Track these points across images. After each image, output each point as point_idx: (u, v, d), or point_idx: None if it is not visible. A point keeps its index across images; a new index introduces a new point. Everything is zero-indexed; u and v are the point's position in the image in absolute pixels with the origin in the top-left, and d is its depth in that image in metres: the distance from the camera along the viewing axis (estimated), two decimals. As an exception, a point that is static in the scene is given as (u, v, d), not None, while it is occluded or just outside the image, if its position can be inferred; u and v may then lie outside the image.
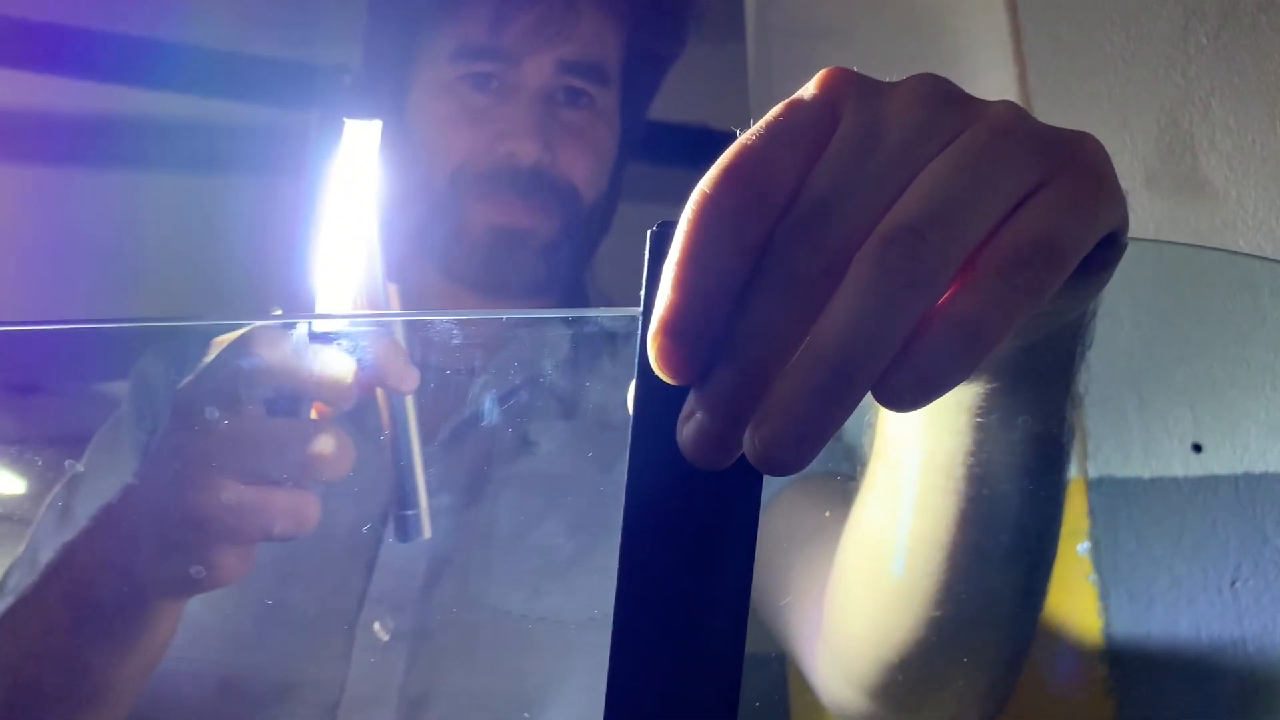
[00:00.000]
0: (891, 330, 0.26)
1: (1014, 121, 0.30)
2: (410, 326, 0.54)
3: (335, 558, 0.69)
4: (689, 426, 0.28)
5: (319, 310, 0.49)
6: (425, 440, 0.75)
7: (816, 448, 0.28)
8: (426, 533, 0.53)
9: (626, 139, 0.88)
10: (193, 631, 0.65)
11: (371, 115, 0.83)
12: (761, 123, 0.29)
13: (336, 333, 0.49)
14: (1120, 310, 0.77)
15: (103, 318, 0.43)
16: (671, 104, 0.98)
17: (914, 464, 0.44)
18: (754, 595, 0.76)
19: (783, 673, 0.93)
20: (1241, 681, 0.70)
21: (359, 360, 0.50)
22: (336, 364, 0.49)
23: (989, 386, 0.39)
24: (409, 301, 0.81)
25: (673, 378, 0.28)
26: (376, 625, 0.67)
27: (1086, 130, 0.32)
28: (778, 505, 0.71)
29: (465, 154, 0.81)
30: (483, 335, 0.81)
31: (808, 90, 0.30)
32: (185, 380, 0.50)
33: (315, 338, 0.49)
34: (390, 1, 0.89)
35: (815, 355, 0.26)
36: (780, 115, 0.29)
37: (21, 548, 0.73)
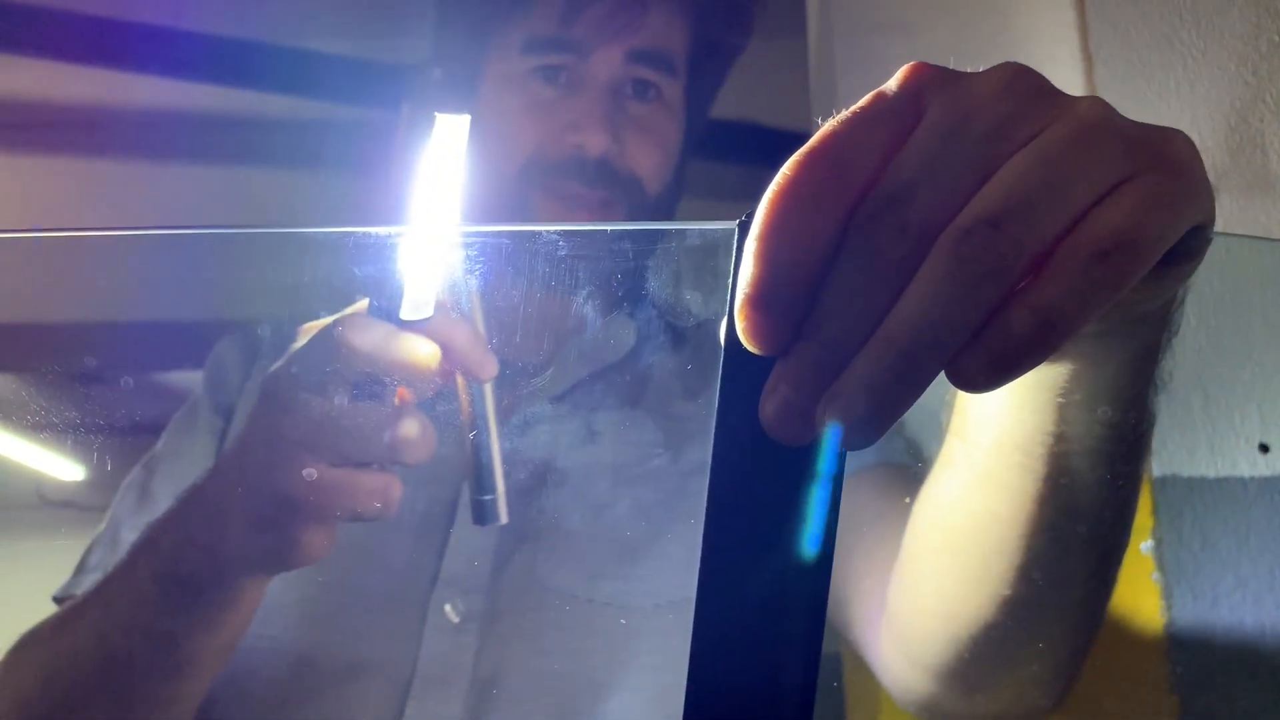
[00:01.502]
0: (962, 318, 0.27)
1: (1101, 117, 0.31)
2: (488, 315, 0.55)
3: (407, 540, 0.71)
4: (771, 400, 0.29)
5: (406, 310, 0.51)
6: (503, 419, 0.77)
7: (884, 426, 0.29)
8: (504, 517, 0.54)
9: (691, 133, 0.89)
10: (268, 609, 0.67)
11: (448, 109, 0.84)
12: (848, 110, 0.30)
13: (423, 321, 0.51)
14: (1187, 306, 0.76)
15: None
16: (733, 100, 0.98)
17: (993, 441, 0.45)
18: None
19: (839, 670, 0.94)
20: (1306, 682, 0.70)
21: (443, 347, 0.51)
22: (421, 351, 0.51)
23: (1072, 367, 0.40)
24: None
25: (759, 348, 0.29)
26: (448, 607, 0.69)
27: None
28: (849, 492, 0.72)
29: (534, 146, 0.82)
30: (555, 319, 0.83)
31: (893, 82, 0.31)
32: (275, 364, 0.52)
33: (402, 325, 0.50)
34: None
35: (889, 337, 0.28)
36: (866, 103, 0.30)
37: (102, 526, 0.75)
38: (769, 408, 0.29)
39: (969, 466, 0.47)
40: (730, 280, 0.32)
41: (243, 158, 1.09)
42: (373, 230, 0.48)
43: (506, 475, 0.76)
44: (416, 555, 0.70)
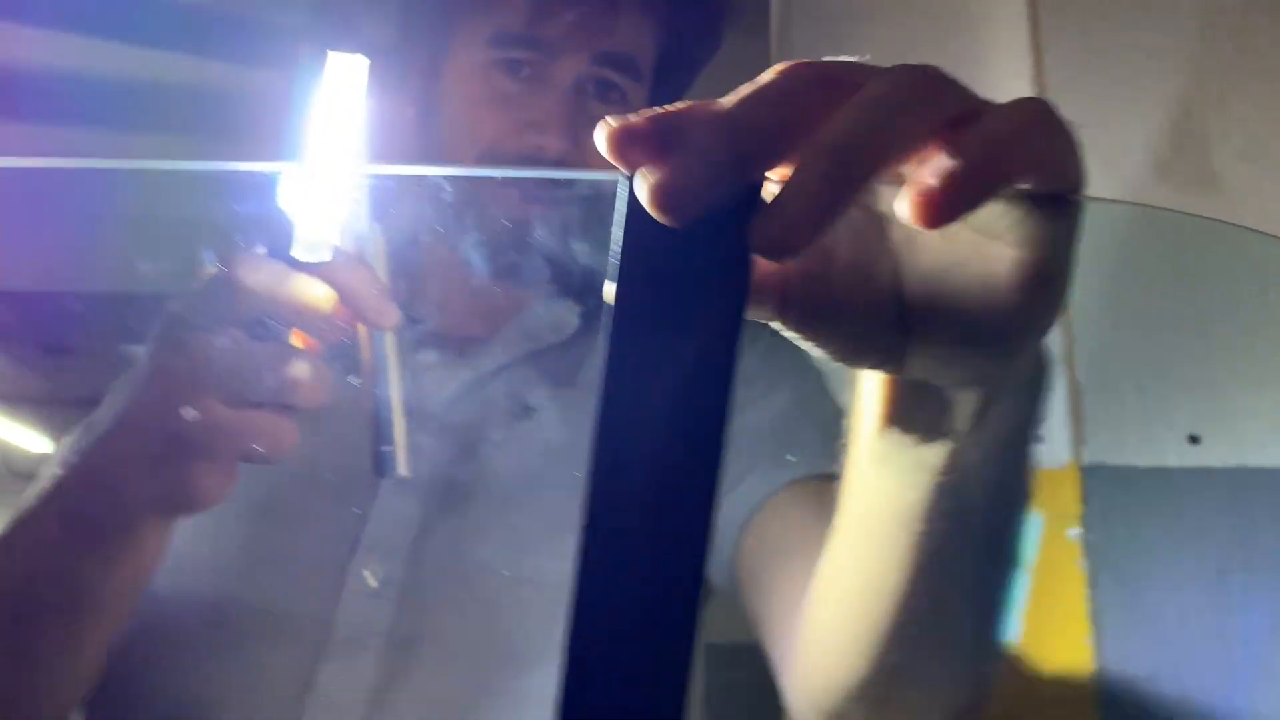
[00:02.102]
0: (881, 134, 0.29)
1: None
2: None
3: (330, 504, 0.71)
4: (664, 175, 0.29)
5: (299, 250, 0.51)
6: (433, 395, 0.77)
7: (810, 233, 0.29)
8: (403, 469, 0.54)
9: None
10: (184, 563, 0.67)
11: (404, 93, 0.84)
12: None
13: (318, 264, 0.50)
14: (1123, 300, 0.77)
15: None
16: (694, 96, 0.98)
17: (873, 515, 0.45)
18: (742, 599, 0.76)
19: None
20: (1225, 671, 0.70)
21: (339, 290, 0.51)
22: (314, 292, 0.51)
23: (950, 448, 0.40)
24: (423, 278, 0.82)
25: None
26: (366, 572, 0.68)
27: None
28: (772, 509, 0.72)
29: (492, 139, 0.82)
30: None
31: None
32: (173, 303, 0.52)
33: (298, 266, 0.50)
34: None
35: (814, 146, 0.29)
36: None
37: (34, 486, 0.75)
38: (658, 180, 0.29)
39: (854, 538, 0.48)
40: (616, 232, 0.32)
41: (132, 122, 1.09)
42: (266, 166, 0.48)
43: (435, 448, 0.76)
44: (338, 519, 0.70)
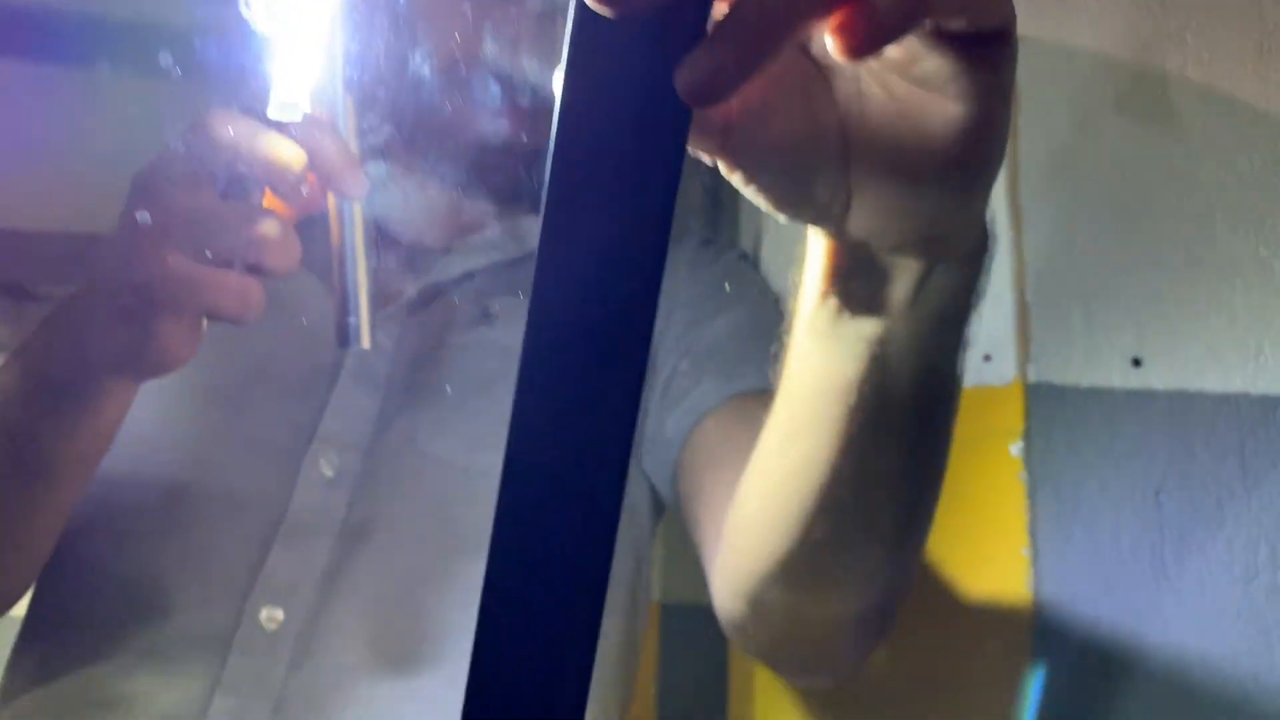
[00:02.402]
0: None
1: None
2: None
3: (289, 395, 0.72)
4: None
5: (273, 109, 0.51)
6: (395, 298, 0.78)
7: (731, 82, 0.30)
8: (365, 341, 0.55)
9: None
10: (143, 444, 0.68)
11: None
12: None
13: (291, 124, 0.51)
14: (1073, 223, 0.78)
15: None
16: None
17: (810, 390, 0.46)
18: (683, 510, 0.78)
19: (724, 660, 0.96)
20: (1156, 587, 0.72)
21: (310, 153, 0.52)
22: (284, 150, 0.51)
23: (889, 319, 0.41)
24: (390, 188, 0.83)
25: None
26: (322, 461, 0.70)
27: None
28: (716, 420, 0.73)
29: (464, 52, 0.82)
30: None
31: None
32: (146, 161, 0.53)
33: (270, 125, 0.51)
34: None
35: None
36: None
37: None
38: None
39: (789, 414, 0.49)
40: (565, 49, 0.33)
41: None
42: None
43: (397, 346, 0.77)
44: (297, 410, 0.71)
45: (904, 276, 0.40)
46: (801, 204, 0.38)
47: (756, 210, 0.95)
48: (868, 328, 0.42)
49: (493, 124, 0.82)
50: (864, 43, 0.30)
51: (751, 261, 0.90)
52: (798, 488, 0.49)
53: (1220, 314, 0.77)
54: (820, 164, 0.37)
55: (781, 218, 0.39)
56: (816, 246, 0.41)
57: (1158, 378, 0.75)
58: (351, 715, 0.64)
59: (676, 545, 1.25)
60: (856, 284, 0.41)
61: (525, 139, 0.79)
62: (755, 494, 0.55)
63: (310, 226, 0.56)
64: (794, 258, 0.47)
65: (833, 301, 0.42)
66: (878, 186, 0.37)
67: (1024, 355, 0.75)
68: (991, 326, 0.75)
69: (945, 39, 0.32)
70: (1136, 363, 0.76)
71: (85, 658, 0.64)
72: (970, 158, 0.35)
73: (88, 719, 0.63)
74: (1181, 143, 0.81)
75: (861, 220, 0.38)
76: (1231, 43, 0.82)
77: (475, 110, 0.81)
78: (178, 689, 0.63)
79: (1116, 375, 0.75)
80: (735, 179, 0.37)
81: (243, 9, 0.48)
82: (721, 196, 1.06)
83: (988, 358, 0.75)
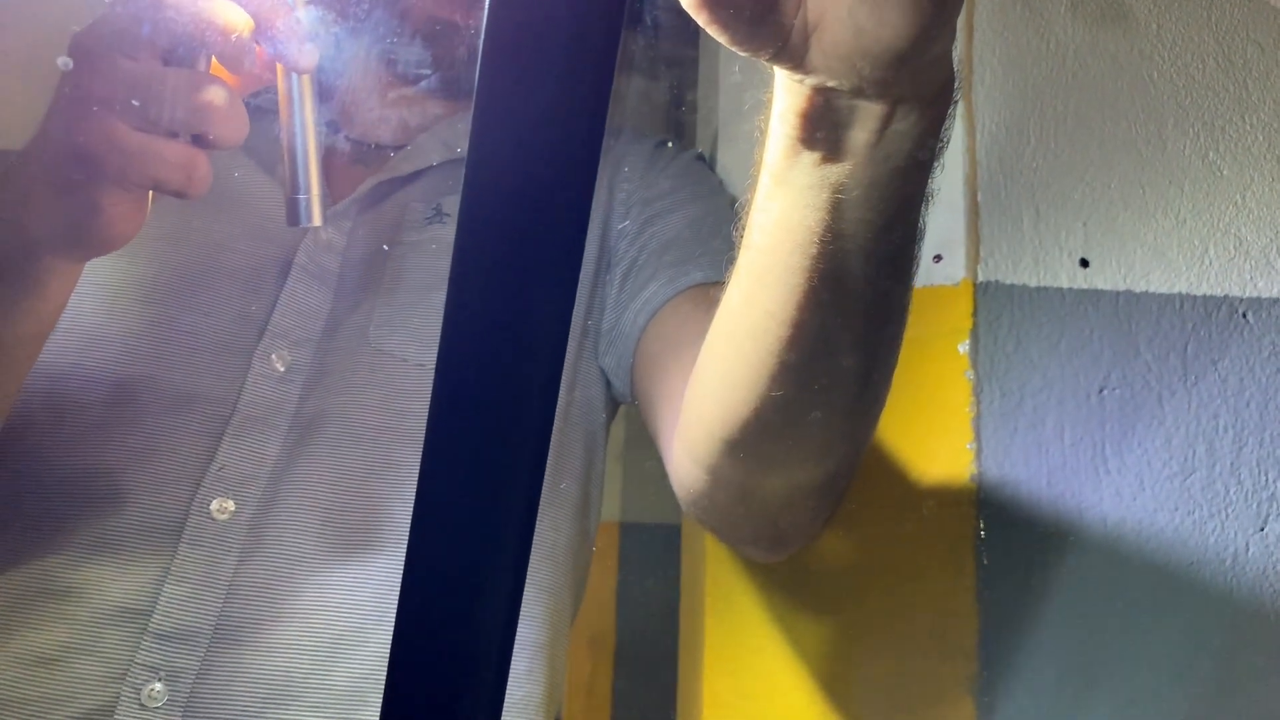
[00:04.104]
0: None
1: None
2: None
3: (239, 290, 0.71)
4: None
5: None
6: (346, 194, 0.77)
7: None
8: (316, 219, 0.54)
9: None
10: (91, 340, 0.67)
11: None
12: None
13: None
14: (1026, 126, 0.78)
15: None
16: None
17: (773, 242, 0.46)
18: (640, 400, 0.78)
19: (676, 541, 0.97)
20: (1097, 480, 0.74)
21: (256, 21, 0.50)
22: (230, 13, 0.50)
23: (852, 165, 0.41)
24: (340, 73, 0.81)
25: None
26: (274, 356, 0.69)
27: None
28: (672, 310, 0.73)
29: None
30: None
31: None
32: (85, 26, 0.51)
33: None
34: None
35: None
36: None
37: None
38: None
39: (751, 271, 0.49)
40: None
41: None
42: None
43: (347, 241, 0.76)
44: (248, 306, 0.71)
45: (866, 120, 0.40)
46: (759, 39, 0.37)
47: (713, 113, 0.94)
48: (830, 173, 0.42)
49: (440, 6, 0.80)
50: None
51: (708, 163, 0.89)
52: (757, 346, 0.50)
53: (1167, 216, 0.78)
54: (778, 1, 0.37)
55: (741, 52, 0.38)
56: (779, 90, 0.41)
57: (1104, 278, 0.77)
58: (302, 604, 0.64)
59: (635, 466, 1.27)
60: (819, 128, 0.41)
61: (472, 28, 0.78)
62: (715, 356, 0.55)
63: (257, 117, 0.55)
64: (749, 160, 0.47)
65: (796, 147, 0.42)
66: (836, 22, 0.36)
67: (974, 255, 0.76)
68: (942, 227, 0.76)
69: None
70: (1084, 263, 0.77)
71: (34, 549, 0.64)
72: None
73: (38, 609, 0.63)
74: (1134, 45, 0.81)
75: (820, 57, 0.37)
76: (1187, -55, 0.82)
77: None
78: (128, 579, 0.63)
79: (1064, 275, 0.76)
80: (696, 12, 0.37)
81: None
82: (680, 98, 1.05)
83: (938, 258, 0.75)
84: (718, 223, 0.80)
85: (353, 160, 0.81)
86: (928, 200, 0.45)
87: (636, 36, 0.97)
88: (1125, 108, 0.80)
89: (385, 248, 0.76)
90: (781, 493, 0.59)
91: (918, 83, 0.39)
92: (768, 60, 0.39)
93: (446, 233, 0.77)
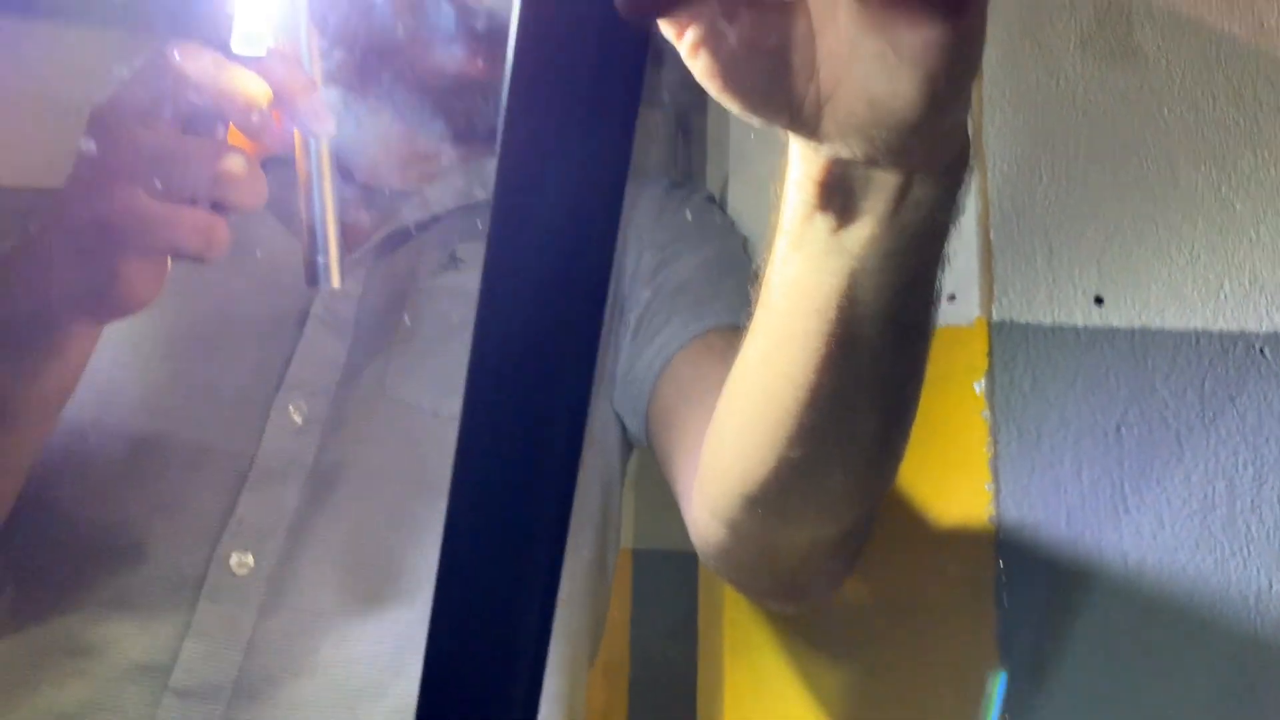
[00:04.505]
0: None
1: None
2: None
3: (256, 341, 0.71)
4: None
5: (236, 42, 0.50)
6: (360, 242, 0.77)
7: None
8: (335, 281, 0.54)
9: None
10: (111, 395, 0.67)
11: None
12: None
13: (256, 59, 0.50)
14: (1037, 164, 0.78)
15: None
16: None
17: (791, 306, 0.46)
18: (655, 445, 0.78)
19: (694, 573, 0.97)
20: (1116, 520, 0.73)
21: (274, 88, 0.51)
22: (249, 83, 0.50)
23: (870, 233, 0.41)
24: (354, 127, 0.82)
25: None
26: (291, 408, 0.70)
27: None
28: (687, 355, 0.73)
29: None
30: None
31: None
32: (104, 95, 0.52)
33: (234, 59, 0.50)
34: None
35: None
36: None
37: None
38: None
39: (769, 332, 0.49)
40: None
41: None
42: None
43: (364, 290, 0.76)
44: (265, 357, 0.71)
45: (882, 188, 0.40)
46: (773, 108, 0.38)
47: (724, 154, 0.95)
48: (847, 241, 0.42)
49: (453, 56, 0.81)
50: None
51: (719, 204, 0.90)
52: (776, 406, 0.50)
53: (1181, 252, 0.78)
54: (791, 69, 0.37)
55: (755, 122, 0.38)
56: (795, 158, 0.41)
57: (1119, 315, 0.76)
58: (321, 658, 0.64)
59: (648, 493, 1.26)
60: (835, 196, 0.41)
61: (486, 75, 0.78)
62: (733, 414, 0.55)
63: (273, 169, 0.55)
64: (760, 200, 0.48)
65: (812, 214, 0.42)
66: (849, 93, 0.36)
67: (988, 294, 0.76)
68: (956, 266, 0.76)
69: None
70: (1099, 301, 0.76)
71: (55, 606, 0.64)
72: (943, 71, 0.35)
73: (59, 666, 0.63)
74: (1145, 82, 0.81)
75: (835, 128, 0.37)
76: (1195, -19, 0.82)
77: (435, 41, 0.80)
78: (148, 635, 0.63)
79: (1079, 313, 0.76)
80: (707, 83, 0.37)
81: None
82: (690, 139, 1.05)
83: (952, 297, 0.75)
84: (730, 265, 0.80)
85: (365, 207, 0.81)
86: (944, 263, 0.45)
87: (647, 74, 0.97)
88: (1137, 144, 0.80)
89: (400, 296, 0.76)
90: (801, 547, 0.59)
91: (933, 151, 0.39)
92: (780, 128, 0.39)
93: (461, 279, 0.77)
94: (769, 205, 0.46)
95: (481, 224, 0.81)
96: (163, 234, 0.50)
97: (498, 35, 0.78)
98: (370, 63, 0.72)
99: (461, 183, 0.83)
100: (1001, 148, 0.78)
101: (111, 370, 0.68)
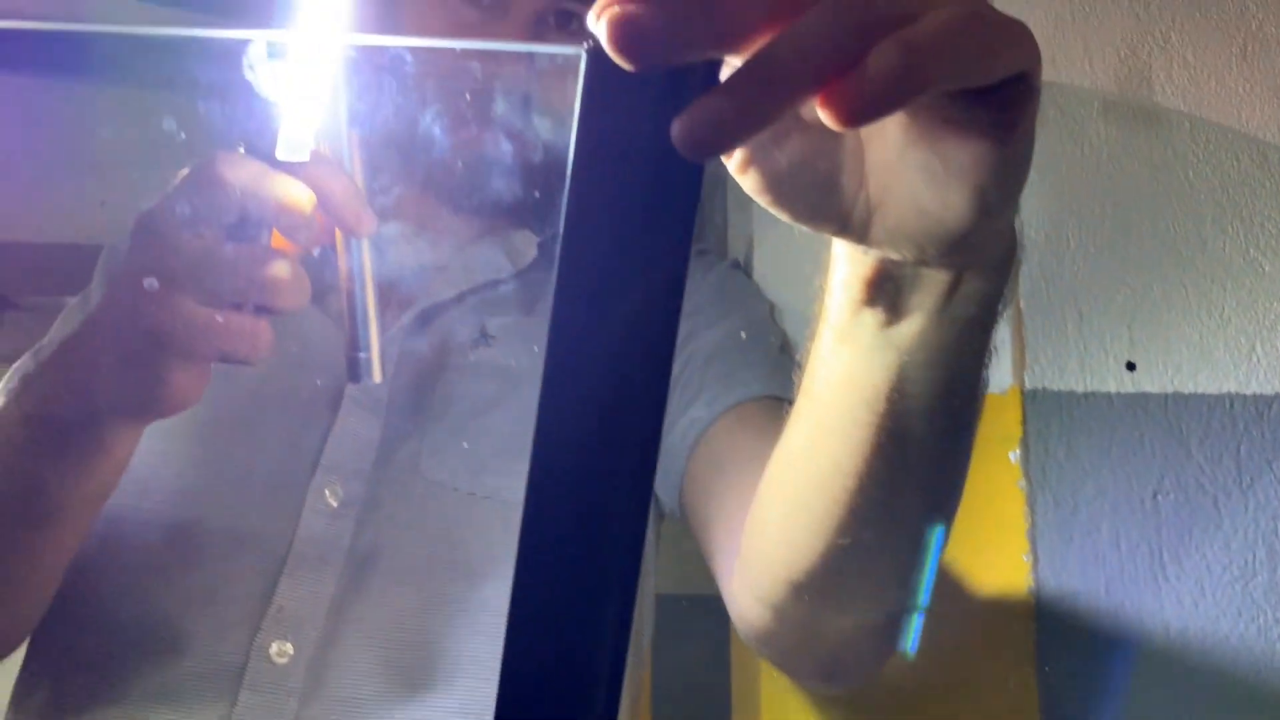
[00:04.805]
0: (835, 43, 0.29)
1: None
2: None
3: (290, 424, 0.72)
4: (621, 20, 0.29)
5: (281, 150, 0.51)
6: (394, 319, 0.78)
7: (735, 135, 0.29)
8: (377, 376, 0.54)
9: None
10: (146, 481, 0.67)
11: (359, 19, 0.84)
12: None
13: (299, 164, 0.51)
14: (1065, 230, 0.79)
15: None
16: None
17: (838, 397, 0.46)
18: (689, 518, 0.78)
19: (726, 669, 0.96)
20: (1156, 588, 0.73)
21: (318, 193, 0.51)
22: (294, 191, 0.51)
23: (918, 327, 0.41)
24: (376, 200, 0.82)
25: (627, 39, 0.29)
26: (327, 491, 0.70)
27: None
28: (720, 428, 0.73)
29: (474, 109, 0.81)
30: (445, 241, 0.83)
31: None
32: (150, 204, 0.52)
33: (277, 165, 0.50)
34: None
35: (755, 54, 0.29)
36: None
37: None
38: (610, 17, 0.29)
39: (815, 421, 0.49)
40: (575, 118, 0.33)
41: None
42: (252, 34, 0.48)
43: (396, 369, 0.77)
44: (299, 440, 0.71)
45: (930, 286, 0.40)
46: (822, 218, 0.38)
47: (747, 219, 0.95)
48: (896, 336, 0.42)
49: (486, 137, 0.81)
50: (855, 117, 0.30)
51: (744, 270, 0.90)
52: (822, 495, 0.49)
53: (1211, 315, 0.78)
54: (840, 180, 0.37)
55: (804, 229, 0.38)
56: (841, 257, 0.41)
57: (1151, 381, 0.76)
58: (364, 745, 0.64)
59: (669, 538, 1.26)
60: (884, 293, 0.41)
61: (518, 159, 0.79)
62: (777, 501, 0.55)
63: (304, 258, 0.56)
64: (786, 263, 0.48)
65: (859, 309, 0.42)
66: (898, 204, 0.37)
67: (1020, 362, 0.76)
68: (987, 334, 0.76)
69: (959, 92, 0.32)
70: (1131, 366, 0.76)
71: (96, 698, 0.64)
72: (993, 183, 0.35)
73: (100, 759, 0.63)
74: (1169, 146, 0.81)
75: (884, 235, 0.38)
76: (1216, 45, 0.82)
77: (469, 123, 0.80)
78: (190, 726, 0.63)
79: (1112, 380, 0.76)
80: (757, 196, 0.37)
81: (246, 72, 0.47)
82: (712, 206, 1.06)
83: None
84: (759, 334, 0.80)
85: (395, 285, 0.82)
86: (992, 354, 0.45)
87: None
88: (1163, 208, 0.80)
89: (433, 374, 0.77)
90: (846, 630, 0.59)
91: (982, 252, 0.39)
92: (828, 234, 0.39)
93: (492, 355, 0.78)
94: (795, 269, 0.46)
95: (511, 299, 0.82)
96: (209, 340, 0.50)
97: (528, 115, 0.79)
98: (407, 154, 0.72)
99: (490, 255, 0.83)
100: (1029, 214, 0.79)
101: (146, 457, 0.68)
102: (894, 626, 0.61)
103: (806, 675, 0.70)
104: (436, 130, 0.71)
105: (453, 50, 0.73)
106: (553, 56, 0.75)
